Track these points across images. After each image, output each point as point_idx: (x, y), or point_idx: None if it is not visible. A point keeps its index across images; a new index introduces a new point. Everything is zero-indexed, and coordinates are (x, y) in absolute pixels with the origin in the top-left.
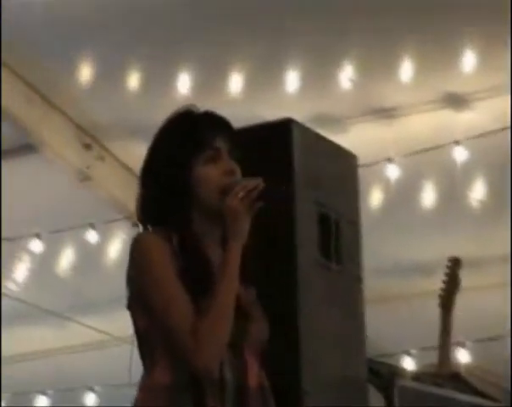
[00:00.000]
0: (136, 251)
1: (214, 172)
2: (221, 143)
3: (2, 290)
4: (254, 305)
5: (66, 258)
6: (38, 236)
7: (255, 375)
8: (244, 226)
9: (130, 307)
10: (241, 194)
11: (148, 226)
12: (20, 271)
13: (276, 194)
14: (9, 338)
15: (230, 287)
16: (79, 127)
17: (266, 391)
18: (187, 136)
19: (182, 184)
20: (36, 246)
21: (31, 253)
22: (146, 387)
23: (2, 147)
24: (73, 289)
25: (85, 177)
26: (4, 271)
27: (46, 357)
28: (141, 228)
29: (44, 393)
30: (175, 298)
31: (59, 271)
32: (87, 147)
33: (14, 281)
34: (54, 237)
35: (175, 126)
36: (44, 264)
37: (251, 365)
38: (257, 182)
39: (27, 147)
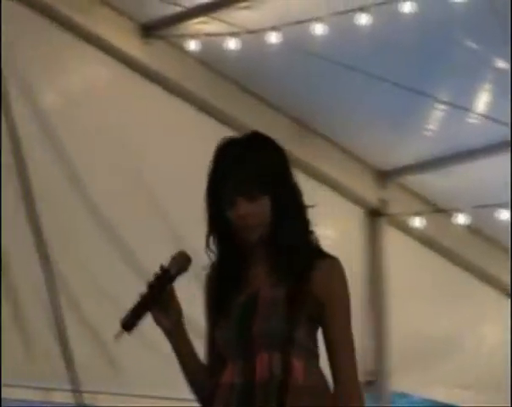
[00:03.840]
0: None
1: (231, 218)
2: (234, 190)
3: None
4: (275, 302)
5: None
6: None
7: (264, 369)
8: (160, 318)
9: None
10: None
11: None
12: None
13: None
14: None
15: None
16: None
17: (276, 380)
18: (213, 188)
19: (216, 223)
20: None
21: None
22: None
23: None
24: None
25: None
26: None
27: None
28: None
29: None
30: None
31: None
32: None
33: None
34: None
35: (209, 174)
36: None
37: (260, 361)
38: (161, 270)
39: None
